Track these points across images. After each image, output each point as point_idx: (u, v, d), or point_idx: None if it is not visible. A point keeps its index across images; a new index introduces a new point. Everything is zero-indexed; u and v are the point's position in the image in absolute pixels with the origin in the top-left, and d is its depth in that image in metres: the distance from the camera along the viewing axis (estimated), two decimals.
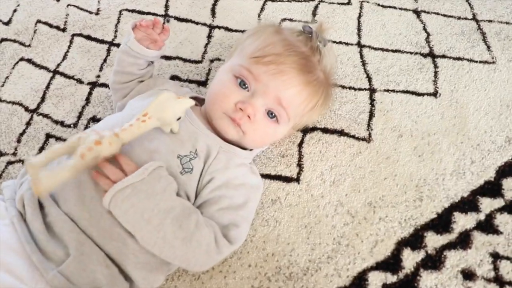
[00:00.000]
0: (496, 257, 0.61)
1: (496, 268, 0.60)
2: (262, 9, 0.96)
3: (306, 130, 0.76)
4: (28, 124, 0.82)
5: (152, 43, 0.70)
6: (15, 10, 1.01)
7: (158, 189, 0.52)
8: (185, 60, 0.89)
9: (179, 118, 0.58)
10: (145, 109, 0.56)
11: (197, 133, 0.62)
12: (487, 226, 0.64)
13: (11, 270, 0.49)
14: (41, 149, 0.78)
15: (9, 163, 0.77)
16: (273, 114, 0.63)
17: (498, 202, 0.66)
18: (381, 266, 0.62)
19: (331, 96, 0.72)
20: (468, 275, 0.60)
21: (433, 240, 0.63)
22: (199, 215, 0.55)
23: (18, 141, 0.80)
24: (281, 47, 0.64)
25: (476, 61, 0.84)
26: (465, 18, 0.91)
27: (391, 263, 0.62)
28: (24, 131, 0.81)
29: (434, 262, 0.61)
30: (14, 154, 0.78)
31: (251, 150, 0.68)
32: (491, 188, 0.68)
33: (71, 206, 0.54)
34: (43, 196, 0.53)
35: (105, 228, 0.53)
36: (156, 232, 0.51)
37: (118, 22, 0.97)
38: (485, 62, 0.83)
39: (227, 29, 0.93)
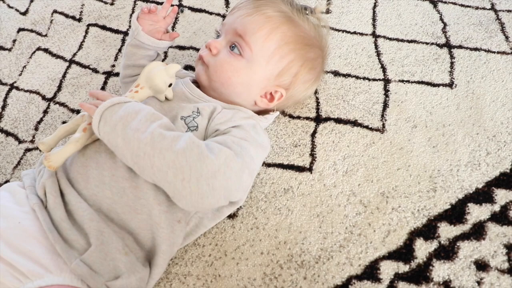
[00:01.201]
0: (510, 248, 0.61)
1: (510, 260, 0.60)
2: None
3: (319, 120, 0.76)
4: (45, 112, 0.84)
5: (165, 34, 0.72)
6: (32, 1, 1.03)
7: (146, 107, 0.54)
8: (198, 50, 0.89)
9: (170, 85, 0.61)
10: (137, 81, 0.60)
11: (196, 100, 0.64)
12: (502, 217, 0.63)
13: (34, 258, 0.49)
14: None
15: (27, 150, 0.79)
16: (233, 46, 0.63)
17: None
18: (393, 255, 0.62)
19: (312, 43, 0.66)
20: (481, 266, 0.60)
21: (446, 231, 0.63)
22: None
23: (36, 128, 0.82)
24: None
25: (494, 52, 0.82)
26: (483, 8, 0.89)
27: (403, 253, 0.62)
28: (41, 119, 0.83)
29: (447, 252, 0.61)
30: (32, 141, 0.80)
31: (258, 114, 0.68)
32: (507, 180, 0.67)
33: (92, 187, 0.55)
34: (55, 170, 0.55)
35: (128, 204, 0.54)
36: (144, 138, 0.50)
37: (133, 12, 0.97)
38: (503, 52, 0.82)
39: None
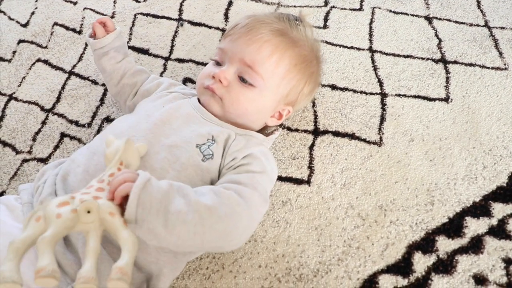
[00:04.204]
0: (508, 262, 0.61)
1: (508, 274, 0.60)
2: None
3: (317, 133, 0.77)
4: (43, 123, 0.84)
5: (104, 31, 0.76)
6: (33, 13, 1.04)
7: (164, 183, 0.50)
8: (198, 63, 0.90)
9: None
10: (111, 169, 0.49)
11: (210, 125, 0.63)
12: (500, 231, 0.64)
13: (25, 282, 0.47)
14: (56, 147, 0.80)
15: (24, 160, 0.79)
16: (244, 79, 0.63)
17: (511, 208, 0.66)
18: (392, 269, 0.62)
19: (314, 62, 0.69)
20: (480, 280, 0.59)
21: (444, 244, 0.63)
22: (210, 186, 0.54)
23: (34, 139, 0.81)
24: (246, 20, 0.67)
25: (488, 67, 0.84)
26: (477, 25, 0.91)
27: (402, 267, 0.62)
28: (39, 130, 0.83)
29: (445, 266, 0.61)
30: (30, 152, 0.80)
31: (266, 136, 0.69)
32: (504, 194, 0.67)
33: None
34: None
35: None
36: (191, 219, 0.47)
37: (133, 25, 0.99)
38: (497, 68, 0.84)
39: None
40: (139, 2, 1.04)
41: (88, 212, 0.41)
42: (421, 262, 0.62)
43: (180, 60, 0.91)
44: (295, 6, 0.98)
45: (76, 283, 0.37)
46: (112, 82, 0.77)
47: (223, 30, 0.96)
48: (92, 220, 0.41)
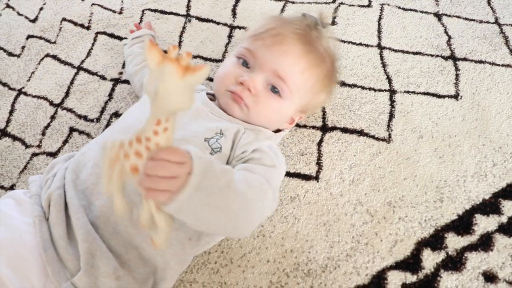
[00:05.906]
0: None
1: None
2: (282, 10, 0.97)
3: (325, 129, 0.76)
4: (52, 117, 0.84)
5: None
6: (41, 8, 1.04)
7: (218, 172, 0.45)
8: (206, 59, 0.90)
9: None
10: (153, 116, 0.41)
11: (219, 120, 0.63)
12: (509, 228, 0.63)
13: (28, 276, 0.49)
14: (65, 142, 0.80)
15: (34, 154, 0.79)
16: (276, 89, 0.62)
17: None
18: (400, 265, 0.62)
19: (335, 75, 0.70)
20: (489, 277, 0.59)
21: (453, 241, 0.63)
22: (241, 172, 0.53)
23: (43, 133, 0.82)
24: (277, 23, 0.66)
25: (498, 65, 0.83)
26: (487, 22, 0.91)
27: (410, 263, 0.61)
28: (48, 125, 0.83)
29: (454, 263, 0.61)
30: (39, 146, 0.80)
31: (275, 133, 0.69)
32: None
33: (104, 199, 0.54)
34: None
35: (137, 219, 0.53)
36: (227, 210, 0.45)
37: (141, 21, 0.99)
38: (508, 65, 0.83)
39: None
40: None
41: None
42: (430, 259, 0.62)
43: None
44: (303, 3, 0.98)
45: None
46: (135, 61, 0.82)
47: (231, 26, 0.95)
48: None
